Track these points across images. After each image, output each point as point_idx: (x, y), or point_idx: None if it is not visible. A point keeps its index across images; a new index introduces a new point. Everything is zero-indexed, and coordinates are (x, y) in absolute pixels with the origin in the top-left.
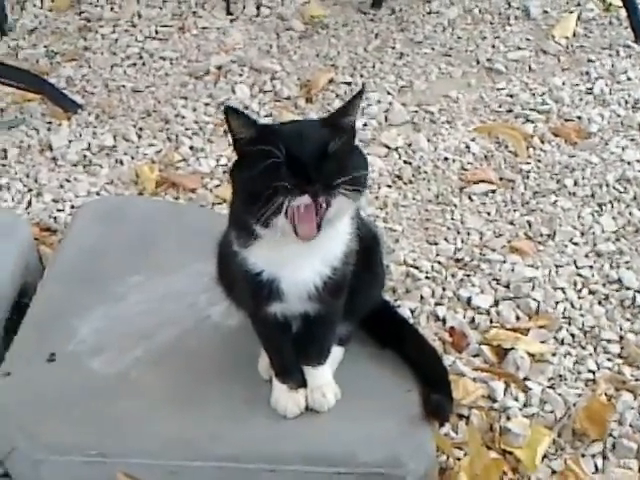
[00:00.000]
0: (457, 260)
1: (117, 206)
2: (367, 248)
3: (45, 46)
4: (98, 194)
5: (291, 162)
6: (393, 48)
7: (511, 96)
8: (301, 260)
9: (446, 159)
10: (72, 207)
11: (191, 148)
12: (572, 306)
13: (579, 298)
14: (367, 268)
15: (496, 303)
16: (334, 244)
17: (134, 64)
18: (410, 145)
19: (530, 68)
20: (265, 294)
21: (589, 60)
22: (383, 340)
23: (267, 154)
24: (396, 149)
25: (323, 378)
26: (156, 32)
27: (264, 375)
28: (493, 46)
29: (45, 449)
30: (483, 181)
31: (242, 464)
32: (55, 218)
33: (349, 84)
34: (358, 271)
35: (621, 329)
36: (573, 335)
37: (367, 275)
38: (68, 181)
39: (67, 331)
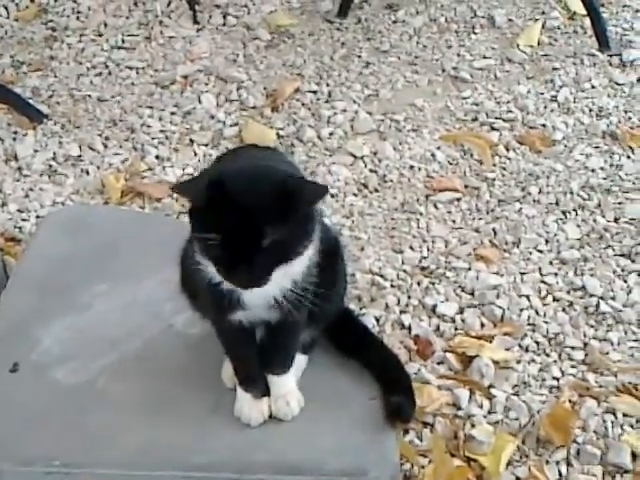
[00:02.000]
0: (422, 268)
1: (82, 215)
2: (329, 255)
3: (11, 56)
4: (63, 204)
5: (225, 253)
6: (359, 57)
7: (476, 104)
8: None
9: (412, 167)
10: (37, 217)
11: (157, 157)
12: (537, 313)
13: (544, 305)
14: (330, 276)
15: (461, 311)
16: (295, 262)
17: (100, 73)
18: (376, 153)
19: (495, 76)
20: (226, 303)
21: (554, 68)
22: (345, 348)
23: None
24: (362, 158)
25: (286, 387)
26: (122, 41)
27: (228, 383)
28: (458, 55)
29: (7, 459)
30: (448, 189)
31: (209, 474)
32: (20, 228)
33: (315, 93)
34: (321, 279)
35: (585, 336)
36: (537, 342)
37: (330, 283)
38: (33, 191)
39: (31, 341)
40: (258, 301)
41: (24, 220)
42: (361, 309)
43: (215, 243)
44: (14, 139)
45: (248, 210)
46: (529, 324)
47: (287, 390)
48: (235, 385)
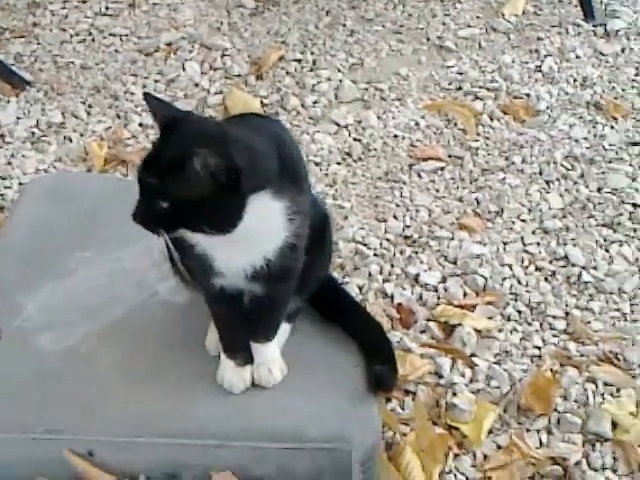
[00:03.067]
0: (406, 237)
1: (65, 183)
2: (317, 227)
3: None
4: (46, 171)
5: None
6: (344, 25)
7: (461, 74)
8: (230, 245)
9: (395, 136)
10: (20, 184)
11: (140, 125)
12: (519, 283)
13: (526, 275)
14: (317, 247)
15: (444, 280)
16: (261, 241)
17: (83, 40)
18: (360, 122)
19: (480, 46)
20: (203, 268)
21: (538, 38)
22: (329, 316)
23: None
24: (346, 126)
25: (270, 354)
26: (106, 8)
27: (211, 351)
28: (443, 24)
29: None
30: (432, 158)
31: (193, 440)
32: (2, 195)
33: (299, 61)
34: (307, 250)
35: (567, 305)
36: (519, 311)
37: (316, 254)
38: (16, 158)
39: (13, 307)
40: (232, 270)
41: (7, 187)
42: (344, 277)
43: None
44: None
45: (162, 154)
46: (511, 293)
47: (270, 357)
48: (219, 353)
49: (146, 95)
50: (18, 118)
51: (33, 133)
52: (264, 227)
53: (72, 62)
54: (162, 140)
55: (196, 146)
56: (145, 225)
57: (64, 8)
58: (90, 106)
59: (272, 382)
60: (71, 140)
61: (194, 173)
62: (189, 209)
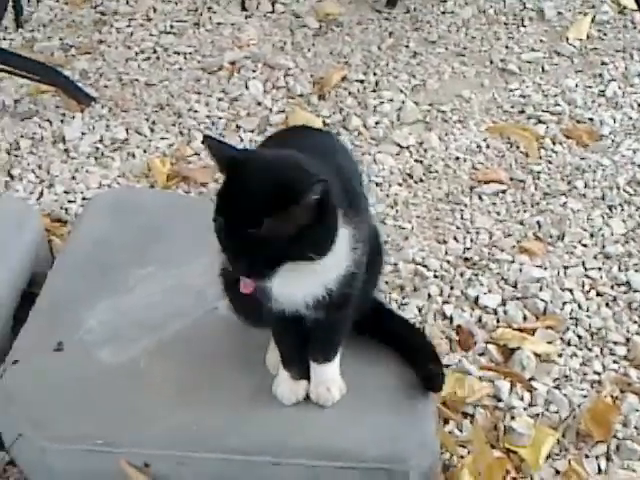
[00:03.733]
0: (466, 259)
1: (128, 198)
2: (371, 254)
3: (60, 39)
4: (109, 186)
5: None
6: (407, 47)
7: (524, 97)
8: (290, 277)
9: (457, 158)
10: (83, 199)
11: (203, 142)
12: (579, 307)
13: (587, 300)
14: (369, 273)
15: (504, 303)
16: (326, 270)
17: (148, 58)
18: (422, 144)
19: (543, 69)
20: (264, 297)
21: (602, 63)
22: (371, 331)
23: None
24: (407, 147)
25: (328, 374)
26: (171, 27)
27: (272, 370)
28: (507, 47)
29: (51, 437)
30: (494, 181)
31: (248, 457)
32: (66, 209)
33: (362, 82)
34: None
35: (628, 331)
36: (580, 336)
37: (369, 280)
38: (80, 173)
39: (75, 321)
40: (291, 300)
41: (70, 202)
42: (404, 298)
43: (219, 226)
44: (62, 121)
45: (248, 197)
46: (572, 318)
47: (329, 377)
48: (279, 370)
49: (205, 138)
50: (83, 134)
51: (97, 149)
52: (330, 256)
53: (136, 79)
54: (238, 185)
55: (297, 181)
56: (254, 275)
57: (129, 26)
58: (154, 123)
59: (330, 401)
60: (134, 156)
61: (309, 206)
62: (293, 242)
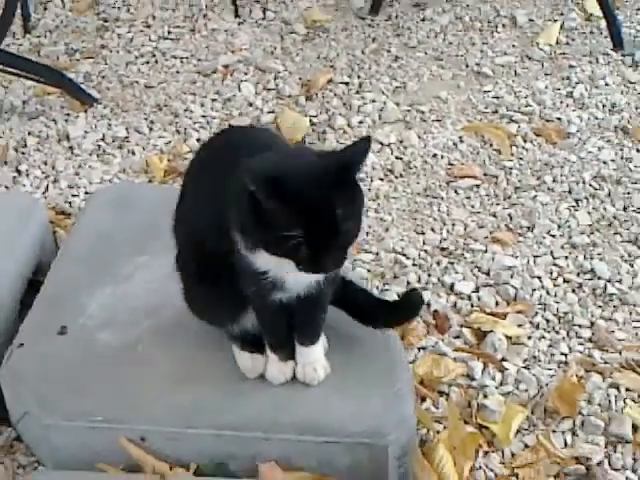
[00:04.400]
0: (442, 249)
1: (128, 193)
2: None
3: (65, 44)
4: (111, 181)
5: (310, 247)
6: (388, 52)
7: (497, 98)
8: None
9: (435, 155)
10: (86, 193)
11: (198, 140)
12: (547, 293)
13: (554, 286)
14: None
15: (477, 289)
16: None
17: (147, 62)
18: (402, 142)
19: (515, 72)
20: (270, 288)
21: (570, 66)
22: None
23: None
24: (389, 145)
25: (314, 355)
26: (169, 32)
27: (248, 374)
28: (481, 51)
29: (54, 414)
30: (468, 176)
31: (239, 432)
32: (70, 203)
33: (347, 84)
34: None
35: (592, 316)
36: (548, 320)
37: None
38: (83, 169)
39: (77, 307)
40: (300, 284)
41: (74, 196)
42: (384, 285)
43: (297, 240)
44: (66, 121)
45: (320, 201)
46: (540, 303)
47: (315, 358)
48: (255, 376)
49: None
50: (86, 132)
51: (99, 146)
52: None
53: (136, 81)
54: (308, 194)
55: (344, 168)
56: (339, 266)
57: (130, 32)
58: (152, 122)
59: (316, 380)
60: (134, 153)
61: (359, 187)
62: (358, 225)
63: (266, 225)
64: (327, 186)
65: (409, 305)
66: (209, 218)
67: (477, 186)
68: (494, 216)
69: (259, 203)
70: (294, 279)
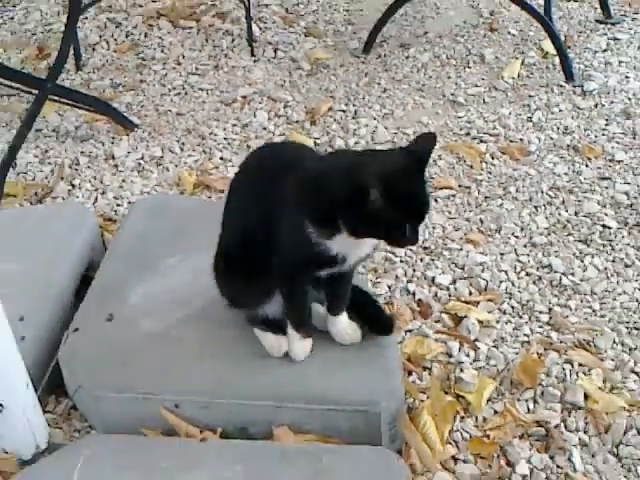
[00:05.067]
0: (425, 248)
1: (163, 203)
2: None
3: (110, 79)
4: (149, 193)
5: (412, 229)
6: (379, 84)
7: (469, 122)
8: (366, 244)
9: None
10: (129, 203)
11: (221, 159)
12: (512, 285)
13: (518, 279)
14: None
15: (454, 281)
16: None
17: (179, 93)
18: None
19: (484, 101)
20: (330, 265)
21: (530, 95)
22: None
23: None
24: None
25: (345, 320)
26: (196, 69)
27: (276, 353)
28: (456, 84)
29: (104, 388)
30: (446, 187)
31: (256, 402)
32: (115, 211)
33: (344, 111)
34: None
35: (550, 303)
36: (513, 307)
37: None
38: (126, 182)
39: (122, 298)
40: (356, 261)
41: (119, 205)
42: (377, 279)
43: (403, 225)
44: (112, 143)
45: (419, 194)
46: (507, 293)
47: (346, 323)
48: (281, 354)
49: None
50: (128, 152)
51: (139, 164)
52: None
53: (170, 110)
54: (409, 183)
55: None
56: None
57: (164, 69)
58: (183, 144)
59: (356, 339)
60: (168, 170)
61: None
62: None
63: (375, 216)
64: (420, 180)
65: (382, 328)
66: (257, 216)
67: (453, 195)
68: (467, 220)
69: (370, 199)
70: (355, 256)
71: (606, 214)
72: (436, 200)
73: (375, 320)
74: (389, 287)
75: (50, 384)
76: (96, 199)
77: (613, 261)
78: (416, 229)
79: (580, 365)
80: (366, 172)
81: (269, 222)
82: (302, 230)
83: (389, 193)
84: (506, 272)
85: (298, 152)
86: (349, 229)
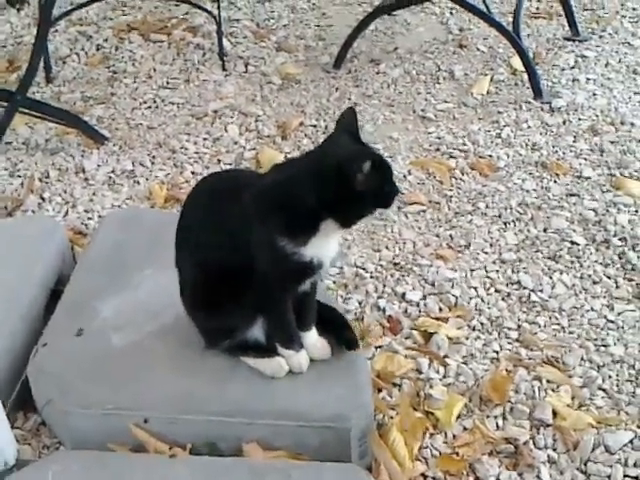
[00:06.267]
0: (395, 264)
1: (134, 216)
2: None
3: (81, 92)
4: (120, 207)
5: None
6: (349, 99)
7: (439, 138)
8: (334, 242)
9: None
10: (99, 216)
11: (192, 173)
12: (482, 301)
13: (487, 295)
14: None
15: (424, 297)
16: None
17: (150, 107)
18: None
19: (454, 117)
20: (309, 274)
21: (499, 112)
22: None
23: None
24: None
25: (314, 337)
26: (167, 83)
27: (277, 374)
28: (426, 99)
29: (73, 403)
30: (416, 202)
31: (226, 418)
32: (86, 225)
33: (315, 126)
34: None
35: (519, 320)
36: (482, 323)
37: None
38: (96, 196)
39: (92, 312)
40: (329, 264)
41: (89, 219)
42: (347, 294)
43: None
44: (82, 156)
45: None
46: (476, 309)
47: (316, 337)
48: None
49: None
50: (99, 165)
51: (110, 177)
52: None
53: (141, 123)
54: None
55: None
56: None
57: (135, 82)
58: (154, 157)
59: (326, 355)
60: (139, 183)
61: None
62: None
63: (364, 192)
64: (369, 145)
65: (347, 344)
66: (223, 247)
67: (423, 211)
68: (437, 236)
69: (357, 178)
70: (328, 258)
71: (574, 230)
72: (406, 216)
73: (340, 336)
74: (359, 303)
75: (19, 399)
76: (66, 212)
77: (581, 278)
78: (393, 184)
79: (548, 382)
80: (341, 157)
81: (237, 249)
82: (274, 246)
83: (371, 164)
84: (476, 288)
85: (240, 175)
86: (341, 219)
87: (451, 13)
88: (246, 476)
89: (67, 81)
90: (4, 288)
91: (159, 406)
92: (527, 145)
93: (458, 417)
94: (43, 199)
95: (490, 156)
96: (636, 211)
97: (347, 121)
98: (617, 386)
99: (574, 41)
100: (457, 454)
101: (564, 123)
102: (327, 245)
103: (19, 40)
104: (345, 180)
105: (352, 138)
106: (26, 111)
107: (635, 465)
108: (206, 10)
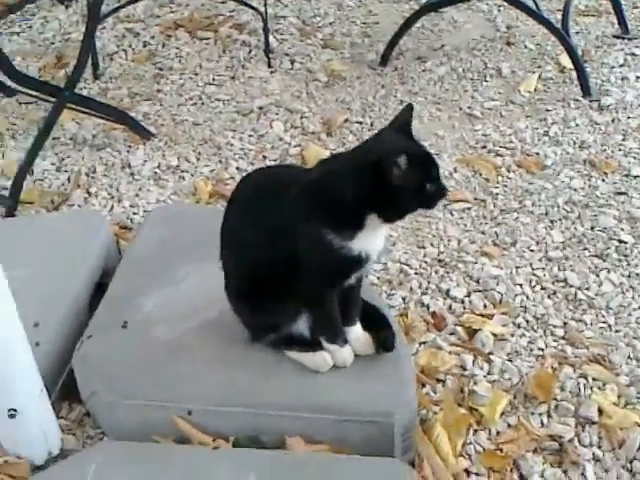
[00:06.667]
0: (439, 260)
1: (179, 211)
2: None
3: (128, 88)
4: (165, 202)
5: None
6: (395, 97)
7: (485, 136)
8: (381, 236)
9: None
10: (144, 211)
11: (237, 169)
12: (527, 298)
13: (533, 292)
14: None
15: (469, 294)
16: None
17: (195, 103)
18: None
19: (501, 115)
20: (356, 268)
21: (546, 109)
22: None
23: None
24: None
25: (359, 332)
26: (213, 80)
27: (322, 368)
28: (472, 97)
29: (117, 394)
30: (462, 200)
31: (269, 411)
32: (131, 219)
33: (360, 123)
34: None
35: (565, 317)
36: (527, 321)
37: None
38: (142, 191)
39: (137, 306)
40: (375, 258)
41: (135, 214)
42: (391, 290)
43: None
44: (128, 151)
45: (427, 152)
46: (521, 306)
47: (361, 332)
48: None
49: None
50: (145, 161)
51: (155, 172)
52: None
53: (186, 120)
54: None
55: None
56: None
57: (181, 79)
58: (199, 153)
59: (369, 350)
60: (184, 179)
61: None
62: None
63: (404, 187)
64: (419, 142)
65: (383, 345)
66: (268, 237)
67: (469, 208)
68: (483, 233)
69: (395, 172)
70: (375, 252)
71: (622, 229)
72: (451, 213)
73: (378, 336)
74: (403, 299)
75: (64, 390)
76: (112, 207)
77: (629, 276)
78: (439, 184)
79: (594, 380)
80: (379, 151)
81: (283, 244)
82: (322, 240)
83: (409, 159)
84: (521, 285)
85: (285, 171)
86: (384, 215)
87: (499, 10)
88: (288, 469)
89: (114, 77)
90: (50, 281)
91: (202, 398)
92: (575, 143)
93: (502, 414)
94: (89, 194)
95: (537, 154)
96: None
97: (401, 117)
98: None
99: (623, 39)
100: (501, 450)
101: (613, 121)
102: (374, 239)
103: (67, 37)
104: (381, 174)
105: (401, 134)
106: (73, 107)
107: None
108: (252, 7)
